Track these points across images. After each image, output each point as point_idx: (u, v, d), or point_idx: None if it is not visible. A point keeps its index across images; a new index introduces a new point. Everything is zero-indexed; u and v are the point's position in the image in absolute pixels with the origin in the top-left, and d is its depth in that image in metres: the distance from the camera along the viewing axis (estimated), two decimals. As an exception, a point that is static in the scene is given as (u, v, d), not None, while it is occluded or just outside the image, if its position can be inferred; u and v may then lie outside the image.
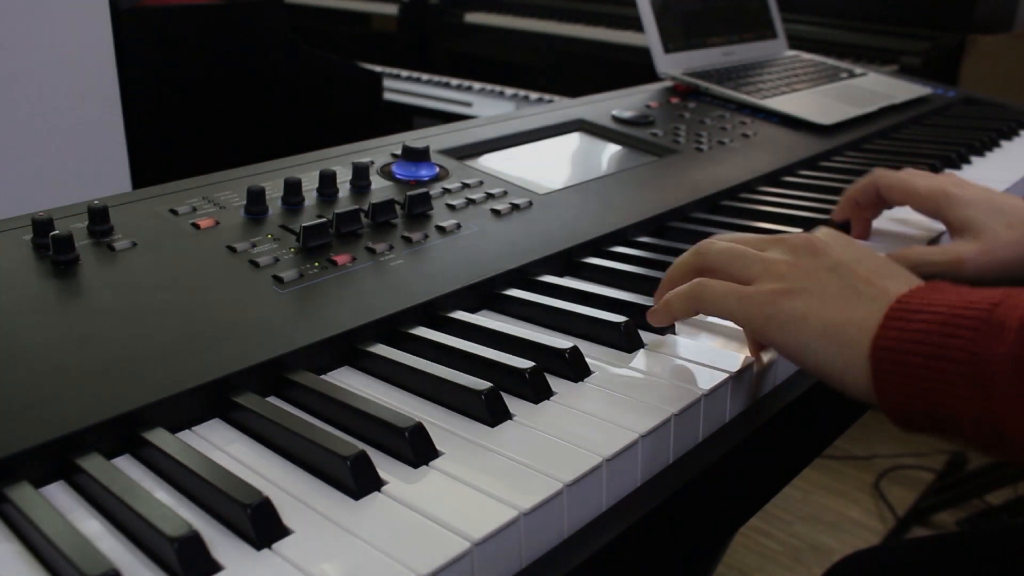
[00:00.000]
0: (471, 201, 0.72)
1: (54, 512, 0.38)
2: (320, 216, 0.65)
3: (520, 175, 0.81)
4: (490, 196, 0.74)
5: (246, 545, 0.38)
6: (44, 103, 0.97)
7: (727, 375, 0.52)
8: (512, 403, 0.49)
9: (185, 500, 0.41)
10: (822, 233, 0.53)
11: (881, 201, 0.75)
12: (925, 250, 0.70)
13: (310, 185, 0.71)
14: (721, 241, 0.54)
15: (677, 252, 0.70)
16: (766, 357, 0.56)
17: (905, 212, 0.83)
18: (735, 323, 0.51)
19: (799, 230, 0.74)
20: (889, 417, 0.45)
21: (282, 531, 0.39)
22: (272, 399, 0.50)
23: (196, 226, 0.63)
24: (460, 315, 0.59)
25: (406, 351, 0.54)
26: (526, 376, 0.50)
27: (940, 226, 0.79)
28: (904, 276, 0.49)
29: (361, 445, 0.43)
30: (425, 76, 2.02)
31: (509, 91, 1.84)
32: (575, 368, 0.52)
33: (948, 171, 0.92)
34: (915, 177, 0.73)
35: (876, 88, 1.29)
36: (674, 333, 0.59)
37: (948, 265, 0.69)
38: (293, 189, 0.67)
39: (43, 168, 0.99)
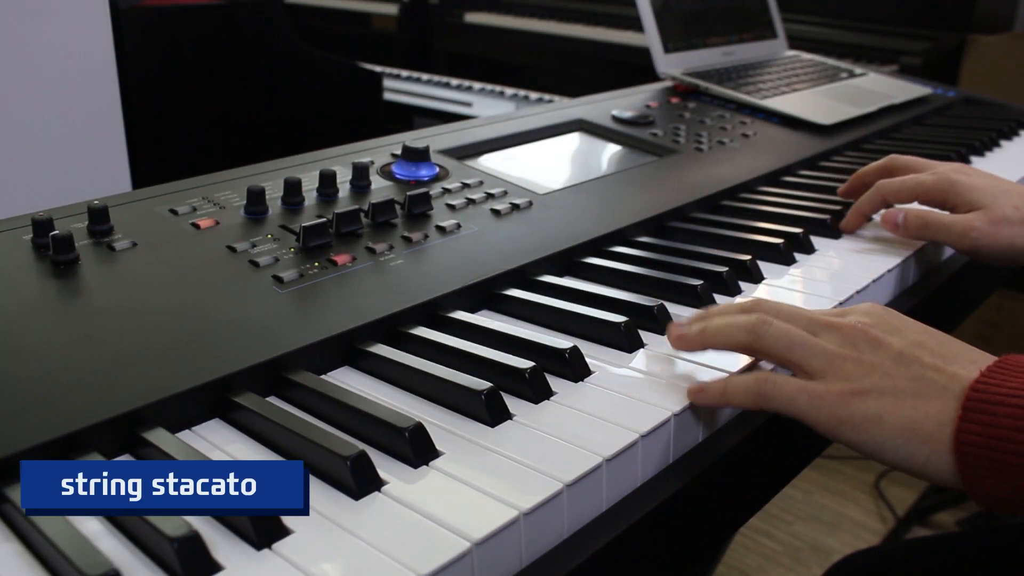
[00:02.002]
0: (471, 201, 0.72)
1: (54, 512, 0.38)
2: (320, 216, 0.65)
3: (520, 175, 0.81)
4: (490, 196, 0.74)
5: (246, 545, 0.38)
6: (44, 103, 0.97)
7: (727, 375, 0.52)
8: (512, 403, 0.49)
9: (185, 500, 0.41)
10: (870, 315, 0.51)
11: (883, 201, 0.76)
12: (938, 212, 0.72)
13: (310, 185, 0.71)
14: (777, 322, 0.51)
15: (677, 252, 0.70)
16: (768, 366, 0.55)
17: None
18: (804, 422, 0.49)
19: (799, 230, 0.75)
20: (981, 504, 0.45)
21: (282, 531, 0.39)
22: (272, 399, 0.50)
23: (196, 226, 0.63)
24: (460, 315, 0.59)
25: (406, 351, 0.54)
26: (526, 376, 0.50)
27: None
28: (967, 354, 0.49)
29: (361, 445, 0.43)
30: (425, 76, 2.02)
31: (509, 91, 1.83)
32: (575, 368, 0.52)
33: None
34: (923, 165, 0.77)
35: (876, 88, 1.29)
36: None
37: (958, 227, 0.70)
38: (293, 189, 0.67)
39: (43, 168, 0.99)
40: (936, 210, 0.73)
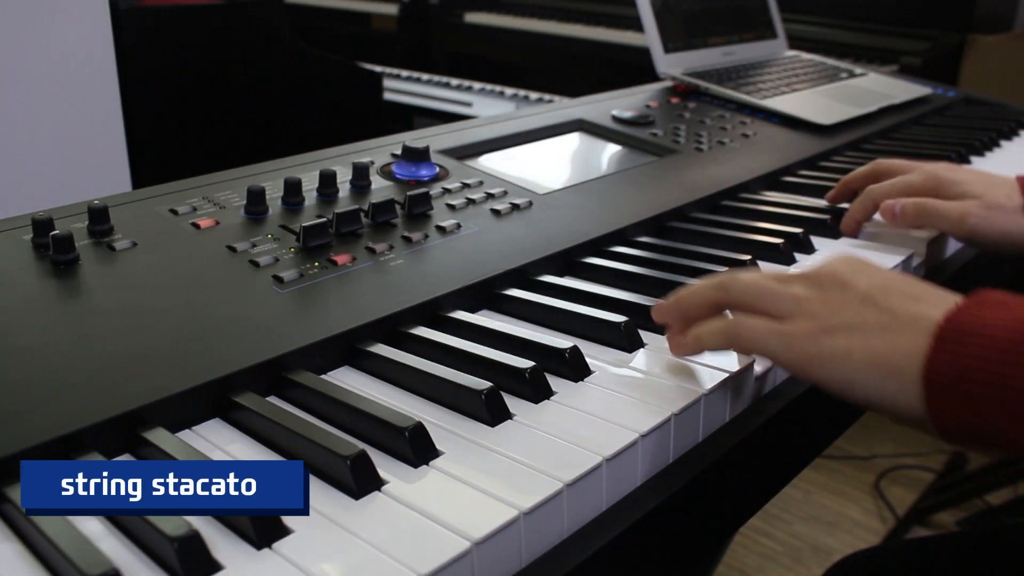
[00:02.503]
0: (471, 201, 0.72)
1: (54, 512, 0.38)
2: (320, 216, 0.65)
3: (520, 175, 0.81)
4: (490, 196, 0.74)
5: (246, 545, 0.38)
6: (44, 103, 0.97)
7: (727, 375, 0.52)
8: (512, 403, 0.49)
9: (185, 500, 0.41)
10: (839, 261, 0.52)
11: (873, 207, 0.76)
12: (934, 200, 0.73)
13: (310, 185, 0.71)
14: (746, 275, 0.52)
15: (677, 252, 0.70)
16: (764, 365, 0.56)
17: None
18: (775, 362, 0.50)
19: (799, 230, 0.75)
20: (944, 438, 0.45)
21: (282, 531, 0.39)
22: (272, 399, 0.50)
23: (196, 226, 0.63)
24: (460, 315, 0.59)
25: (406, 351, 0.54)
26: (526, 376, 0.50)
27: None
28: (936, 294, 0.49)
29: (361, 445, 0.43)
30: (425, 76, 2.02)
31: (509, 91, 1.84)
32: (575, 368, 0.53)
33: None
34: (910, 167, 0.77)
35: (876, 88, 1.29)
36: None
37: (955, 213, 0.71)
38: (293, 189, 0.67)
39: (43, 168, 0.99)
40: (931, 199, 0.74)
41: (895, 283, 0.49)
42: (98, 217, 0.60)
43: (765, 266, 0.70)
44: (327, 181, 0.70)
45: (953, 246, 0.82)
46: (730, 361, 0.54)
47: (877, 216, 0.78)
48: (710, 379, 0.52)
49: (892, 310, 0.47)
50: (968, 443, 0.44)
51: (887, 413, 0.47)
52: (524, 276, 0.65)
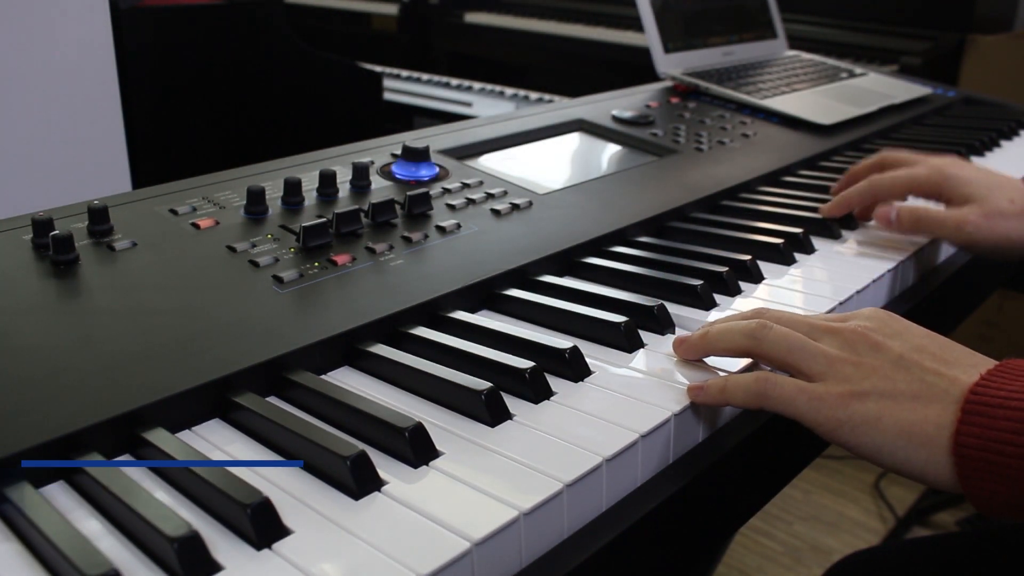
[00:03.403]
0: (471, 201, 0.72)
1: (54, 512, 0.38)
2: (320, 216, 0.65)
3: (520, 175, 0.81)
4: (490, 196, 0.74)
5: (246, 545, 0.38)
6: (44, 103, 0.97)
7: (727, 374, 0.52)
8: (512, 403, 0.49)
9: (185, 500, 0.41)
10: (871, 320, 0.51)
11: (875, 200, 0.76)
12: (932, 208, 0.73)
13: (310, 185, 0.71)
14: (777, 326, 0.51)
15: (677, 252, 0.70)
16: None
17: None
18: (802, 423, 0.49)
19: (799, 230, 0.75)
20: (978, 508, 0.45)
21: (282, 531, 0.39)
22: (272, 399, 0.50)
23: (196, 226, 0.63)
24: (460, 315, 0.59)
25: (406, 351, 0.54)
26: (526, 376, 0.50)
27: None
28: (968, 358, 0.49)
29: (361, 445, 0.43)
30: (425, 76, 2.02)
31: (509, 91, 1.84)
32: (575, 368, 0.52)
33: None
34: (915, 160, 0.77)
35: (876, 88, 1.29)
36: (673, 333, 0.59)
37: (952, 222, 0.70)
38: (293, 189, 0.67)
39: (43, 168, 0.99)
40: (929, 205, 0.73)
41: (927, 346, 0.49)
42: (98, 217, 0.60)
43: (766, 267, 0.70)
44: (327, 181, 0.70)
45: (950, 248, 0.81)
46: (731, 363, 0.54)
47: (871, 225, 0.78)
48: (711, 378, 0.52)
49: (923, 377, 0.47)
50: (1003, 513, 0.44)
51: (918, 480, 0.47)
52: (524, 276, 0.65)
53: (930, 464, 0.45)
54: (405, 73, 2.07)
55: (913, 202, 0.81)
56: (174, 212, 0.64)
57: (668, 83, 1.20)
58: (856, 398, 0.47)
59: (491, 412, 0.47)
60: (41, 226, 0.58)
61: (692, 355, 0.54)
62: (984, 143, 1.09)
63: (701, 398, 0.51)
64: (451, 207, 0.71)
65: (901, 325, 0.51)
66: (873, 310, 0.53)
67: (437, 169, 0.78)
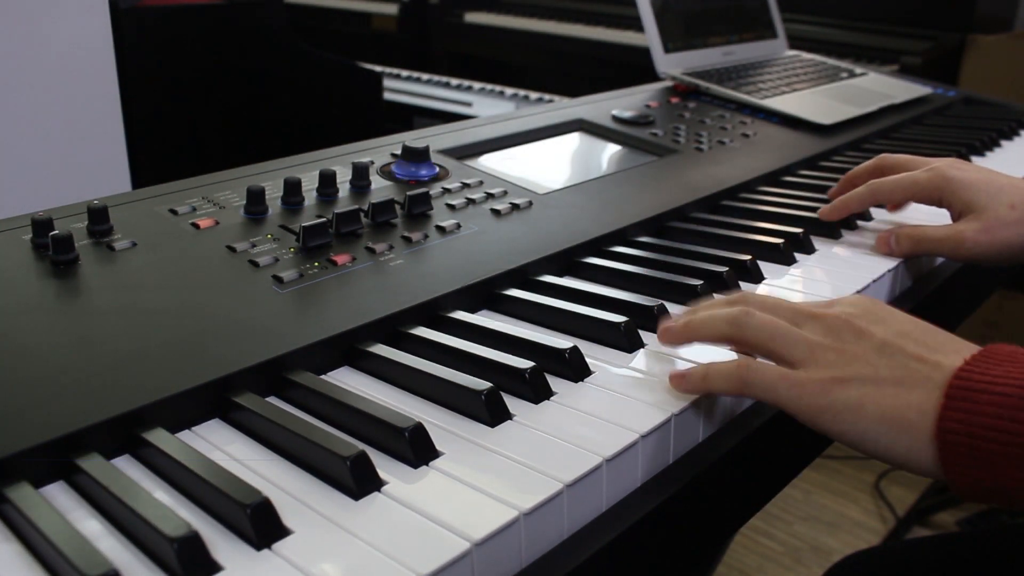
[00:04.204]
0: (471, 201, 0.72)
1: (54, 512, 0.38)
2: (320, 216, 0.65)
3: (520, 175, 0.81)
4: (490, 196, 0.74)
5: (246, 545, 0.38)
6: (44, 103, 0.97)
7: (709, 363, 0.52)
8: (512, 403, 0.49)
9: (185, 500, 0.41)
10: (855, 306, 0.51)
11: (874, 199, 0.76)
12: (928, 227, 0.72)
13: (310, 185, 0.70)
14: (760, 313, 0.51)
15: (677, 252, 0.70)
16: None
17: (905, 215, 0.84)
18: (784, 410, 0.49)
19: (800, 230, 0.74)
20: (960, 494, 0.44)
21: (282, 531, 0.39)
22: (272, 399, 0.50)
23: (196, 226, 0.63)
24: (460, 315, 0.59)
25: (406, 351, 0.54)
26: (526, 376, 0.50)
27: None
28: (951, 343, 0.48)
29: (361, 445, 0.43)
30: (425, 76, 2.02)
31: (509, 91, 1.84)
32: (575, 368, 0.52)
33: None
34: (915, 163, 0.75)
35: (876, 88, 1.29)
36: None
37: (950, 242, 0.70)
38: (293, 189, 0.67)
39: (43, 168, 0.99)
40: (927, 224, 0.72)
41: (911, 332, 0.49)
42: (98, 217, 0.60)
43: (766, 267, 0.70)
44: (327, 181, 0.70)
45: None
46: (725, 352, 0.54)
47: (872, 224, 0.78)
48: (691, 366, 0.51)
49: (906, 363, 0.47)
50: (984, 499, 0.44)
51: (899, 467, 0.46)
52: (524, 276, 0.65)
53: (913, 450, 0.45)
54: (405, 73, 2.07)
55: (913, 210, 0.81)
56: (174, 212, 0.64)
57: (668, 83, 1.20)
58: (838, 384, 0.47)
59: (491, 412, 0.47)
60: (41, 226, 0.58)
61: (676, 343, 0.54)
62: (984, 143, 1.09)
63: (683, 386, 0.51)
64: (451, 207, 0.71)
65: (885, 311, 0.51)
66: (858, 296, 0.53)
67: (437, 169, 0.78)
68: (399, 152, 0.78)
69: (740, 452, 0.51)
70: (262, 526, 0.38)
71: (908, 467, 0.46)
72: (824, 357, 0.48)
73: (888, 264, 0.71)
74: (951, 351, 0.47)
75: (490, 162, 0.85)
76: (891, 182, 0.74)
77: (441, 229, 0.67)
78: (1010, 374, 0.43)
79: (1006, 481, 0.42)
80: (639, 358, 0.55)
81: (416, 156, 0.77)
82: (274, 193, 0.68)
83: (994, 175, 0.73)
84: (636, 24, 1.36)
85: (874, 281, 0.68)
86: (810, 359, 0.48)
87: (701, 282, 0.64)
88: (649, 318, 0.59)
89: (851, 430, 0.46)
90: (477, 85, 1.91)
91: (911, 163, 0.76)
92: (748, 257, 0.68)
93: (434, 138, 0.86)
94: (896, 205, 0.82)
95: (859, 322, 0.49)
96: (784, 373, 0.48)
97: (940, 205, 0.73)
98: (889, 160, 0.78)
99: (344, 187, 0.71)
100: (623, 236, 0.74)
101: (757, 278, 0.68)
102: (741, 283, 0.67)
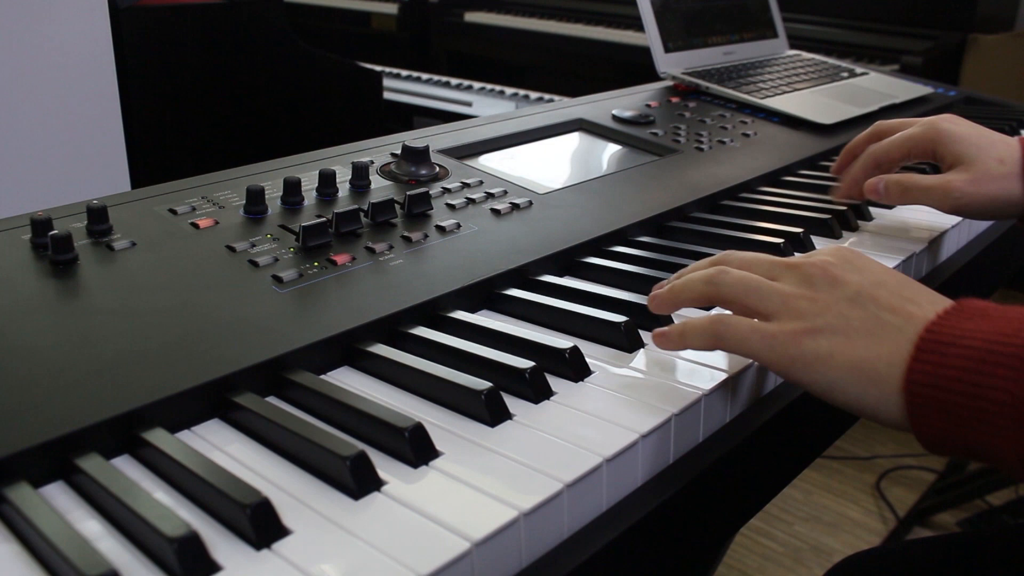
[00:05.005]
0: (471, 201, 0.72)
1: (53, 512, 0.38)
2: (320, 216, 0.65)
3: (520, 175, 0.80)
4: (490, 196, 0.74)
5: (245, 545, 0.38)
6: (44, 103, 0.97)
7: (727, 375, 0.52)
8: (512, 403, 0.49)
9: (184, 500, 0.41)
10: (834, 255, 0.51)
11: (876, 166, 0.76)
12: (918, 176, 0.72)
13: (310, 185, 0.70)
14: (735, 270, 0.51)
15: (677, 252, 0.70)
16: None
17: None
18: (758, 362, 0.49)
19: (800, 230, 0.74)
20: (926, 447, 0.44)
21: (282, 531, 0.39)
22: (271, 399, 0.50)
23: (195, 226, 0.63)
24: (460, 315, 0.58)
25: (406, 351, 0.54)
26: (526, 376, 0.50)
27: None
28: (926, 295, 0.48)
29: (361, 445, 0.43)
30: (425, 76, 2.02)
31: (509, 91, 1.84)
32: (575, 368, 0.52)
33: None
34: (909, 124, 0.77)
35: (877, 87, 1.29)
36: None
37: (938, 191, 0.70)
38: (293, 189, 0.67)
39: (42, 168, 0.99)
40: (915, 174, 0.73)
41: (887, 282, 0.49)
42: (97, 217, 0.60)
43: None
44: (327, 181, 0.70)
45: (951, 247, 0.81)
46: (731, 361, 0.54)
47: (875, 221, 0.78)
48: (710, 379, 0.52)
49: (878, 314, 0.47)
50: (949, 452, 0.44)
51: (868, 418, 0.46)
52: (524, 276, 0.65)
53: (881, 402, 0.45)
54: (405, 73, 2.07)
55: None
56: (173, 212, 0.64)
57: (668, 83, 1.20)
58: (809, 335, 0.47)
59: (491, 412, 0.47)
60: (40, 226, 0.58)
61: (664, 310, 0.55)
62: (985, 143, 1.09)
63: (664, 344, 0.52)
64: (451, 207, 0.71)
65: (863, 261, 0.51)
66: (838, 247, 0.53)
67: (437, 169, 0.78)
68: (399, 152, 0.78)
69: (740, 452, 0.51)
70: (262, 526, 0.38)
71: (877, 419, 0.46)
72: (796, 306, 0.48)
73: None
74: (925, 303, 0.47)
75: (490, 162, 0.85)
76: (887, 142, 0.76)
77: (441, 229, 0.67)
78: (980, 327, 0.43)
79: (970, 434, 0.42)
80: (639, 358, 0.55)
81: (416, 156, 0.76)
82: (274, 193, 0.68)
83: (985, 131, 0.74)
84: (636, 24, 1.36)
85: (874, 281, 0.68)
86: (783, 310, 0.48)
87: (701, 282, 0.63)
88: (649, 318, 0.59)
89: (821, 380, 0.46)
90: (477, 85, 1.91)
91: (905, 124, 0.78)
92: (748, 257, 0.68)
93: (434, 138, 0.85)
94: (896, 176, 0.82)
95: (835, 270, 0.49)
96: (756, 326, 0.48)
97: (933, 159, 0.74)
98: (884, 125, 0.79)
99: (344, 187, 0.71)
100: (623, 236, 0.73)
101: (757, 278, 0.68)
102: (741, 283, 0.67)
